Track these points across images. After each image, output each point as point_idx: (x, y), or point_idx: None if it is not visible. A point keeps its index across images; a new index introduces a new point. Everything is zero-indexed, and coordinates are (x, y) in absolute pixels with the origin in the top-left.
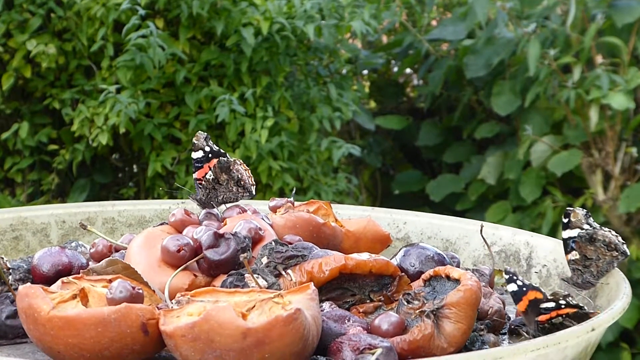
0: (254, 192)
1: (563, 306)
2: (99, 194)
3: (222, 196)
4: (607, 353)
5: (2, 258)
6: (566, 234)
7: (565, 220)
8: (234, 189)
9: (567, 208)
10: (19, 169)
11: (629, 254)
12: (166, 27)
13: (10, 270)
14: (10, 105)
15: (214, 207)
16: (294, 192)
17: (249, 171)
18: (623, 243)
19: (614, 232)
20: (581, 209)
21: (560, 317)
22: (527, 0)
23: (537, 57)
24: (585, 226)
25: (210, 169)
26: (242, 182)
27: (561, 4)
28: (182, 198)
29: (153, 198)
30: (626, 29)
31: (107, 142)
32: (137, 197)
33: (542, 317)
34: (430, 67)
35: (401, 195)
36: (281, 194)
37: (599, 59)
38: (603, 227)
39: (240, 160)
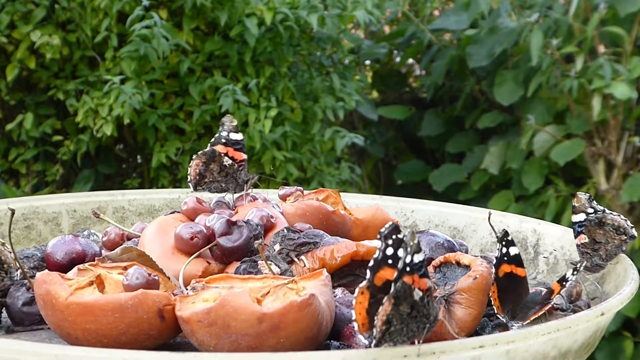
0: (636, 235)
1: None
2: (104, 185)
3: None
4: (610, 342)
5: (9, 250)
6: (573, 218)
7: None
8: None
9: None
10: (24, 160)
11: (636, 236)
12: (170, 17)
13: (24, 259)
14: (15, 96)
15: None
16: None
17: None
18: (632, 227)
19: (622, 216)
20: (584, 193)
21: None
22: None
23: (539, 46)
24: (590, 210)
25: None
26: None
27: None
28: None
29: (157, 189)
30: (629, 19)
31: (112, 132)
32: (141, 187)
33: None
34: (433, 57)
35: (404, 185)
36: (285, 184)
37: (601, 48)
38: (612, 212)
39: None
